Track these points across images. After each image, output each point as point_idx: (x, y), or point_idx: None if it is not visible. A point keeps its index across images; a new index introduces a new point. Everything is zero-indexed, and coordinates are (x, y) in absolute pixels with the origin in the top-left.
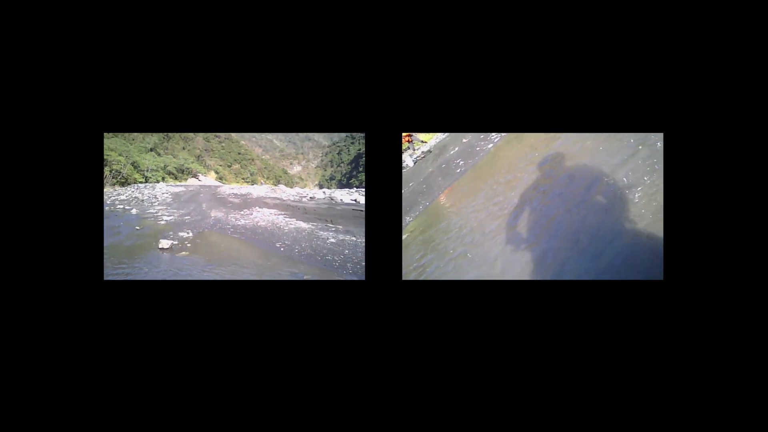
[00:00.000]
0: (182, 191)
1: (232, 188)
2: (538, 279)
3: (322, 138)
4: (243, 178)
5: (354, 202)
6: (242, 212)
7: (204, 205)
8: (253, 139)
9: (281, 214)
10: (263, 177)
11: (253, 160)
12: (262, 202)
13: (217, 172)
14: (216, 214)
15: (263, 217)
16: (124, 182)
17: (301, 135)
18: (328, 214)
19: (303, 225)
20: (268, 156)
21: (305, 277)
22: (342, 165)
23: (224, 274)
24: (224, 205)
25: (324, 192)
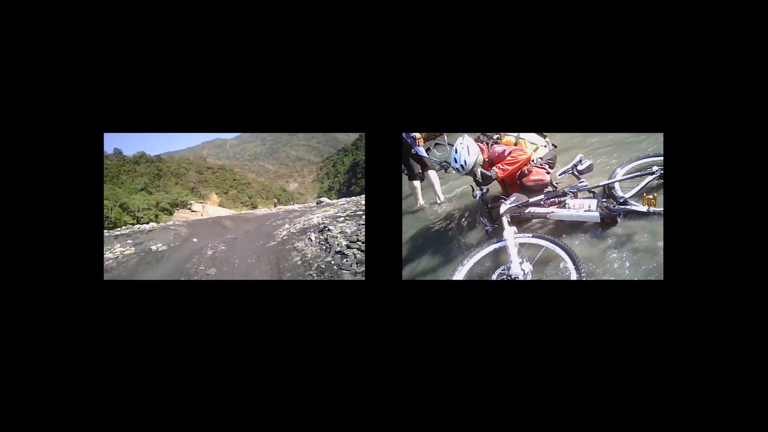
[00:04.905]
0: (109, 262)
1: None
2: None
3: (312, 155)
4: (242, 202)
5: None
6: None
7: None
8: (246, 166)
9: None
10: (261, 198)
11: (249, 183)
12: None
13: (219, 195)
14: None
15: None
16: (113, 227)
17: (292, 156)
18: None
19: None
20: (263, 179)
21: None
22: (339, 175)
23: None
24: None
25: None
